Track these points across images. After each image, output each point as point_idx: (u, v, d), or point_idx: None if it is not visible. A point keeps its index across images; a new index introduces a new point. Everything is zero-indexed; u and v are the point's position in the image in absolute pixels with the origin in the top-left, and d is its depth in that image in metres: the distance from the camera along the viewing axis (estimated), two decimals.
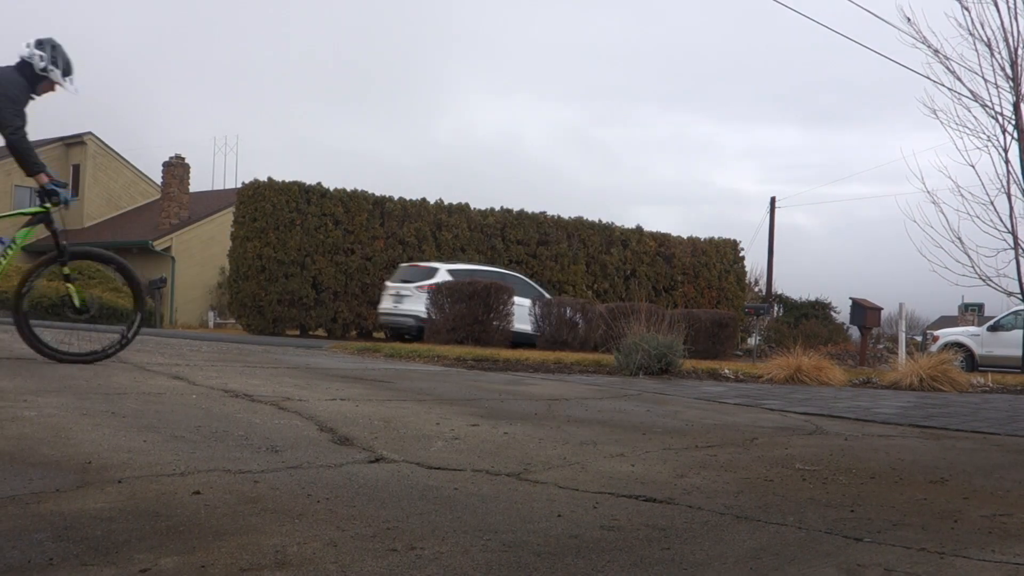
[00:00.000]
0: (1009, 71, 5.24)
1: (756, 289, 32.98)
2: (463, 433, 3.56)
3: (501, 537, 1.96)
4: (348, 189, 18.58)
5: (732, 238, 23.37)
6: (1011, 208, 5.32)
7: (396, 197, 19.06)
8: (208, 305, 28.53)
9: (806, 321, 30.10)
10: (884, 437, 4.33)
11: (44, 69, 4.67)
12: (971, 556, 2.01)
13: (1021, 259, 5.25)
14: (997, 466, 3.51)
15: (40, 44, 4.68)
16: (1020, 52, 5.24)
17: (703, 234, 23.92)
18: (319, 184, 18.44)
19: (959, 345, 17.36)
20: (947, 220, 5.55)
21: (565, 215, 20.51)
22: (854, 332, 22.17)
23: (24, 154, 4.52)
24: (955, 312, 42.64)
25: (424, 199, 19.16)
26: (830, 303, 34.17)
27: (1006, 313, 18.34)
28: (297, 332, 18.18)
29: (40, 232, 5.39)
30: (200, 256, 29.28)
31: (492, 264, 19.15)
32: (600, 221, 21.09)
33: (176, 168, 30.31)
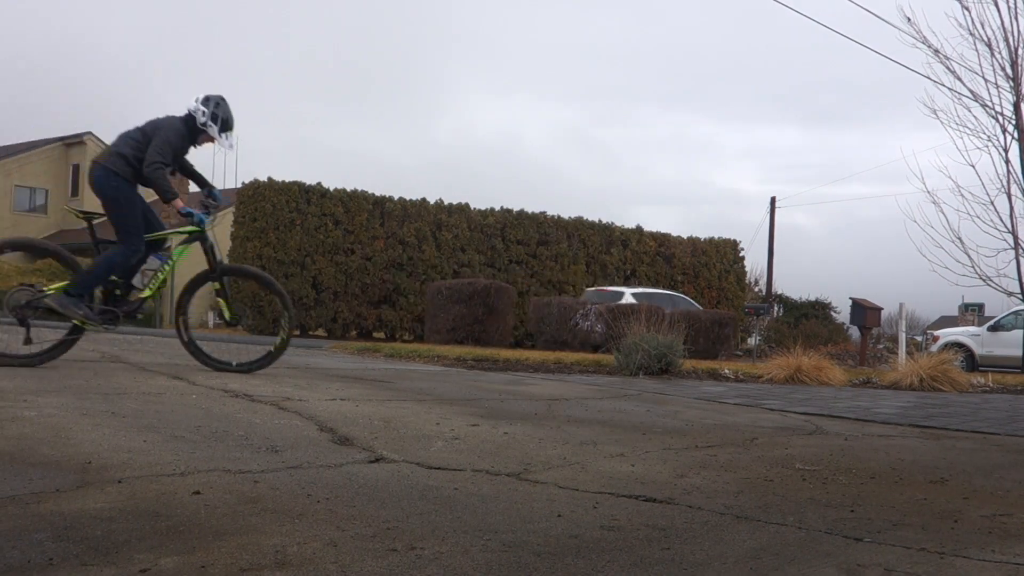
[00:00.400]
0: (1009, 71, 5.23)
1: (756, 289, 32.99)
2: (463, 433, 3.56)
3: (501, 537, 1.96)
4: (348, 189, 18.58)
5: (732, 238, 23.38)
6: (1011, 208, 5.32)
7: (396, 197, 19.05)
8: (208, 305, 28.52)
9: (806, 321, 30.09)
10: (884, 437, 4.33)
11: (203, 124, 5.18)
12: (971, 556, 2.01)
13: (1021, 259, 5.25)
14: (997, 466, 3.51)
15: (206, 101, 5.19)
16: (1020, 52, 5.23)
17: (703, 234, 23.93)
18: (319, 184, 18.45)
19: (959, 345, 17.36)
20: (947, 220, 5.55)
21: (565, 215, 20.52)
22: (854, 332, 22.18)
23: (156, 185, 5.04)
24: (955, 312, 42.62)
25: (424, 199, 19.16)
26: (830, 303, 34.19)
27: (1006, 313, 18.33)
28: (297, 332, 18.18)
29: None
30: (200, 256, 29.22)
31: (493, 264, 19.15)
32: (600, 221, 21.09)
33: None
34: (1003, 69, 5.26)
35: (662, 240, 21.90)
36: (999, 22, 5.27)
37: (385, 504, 2.21)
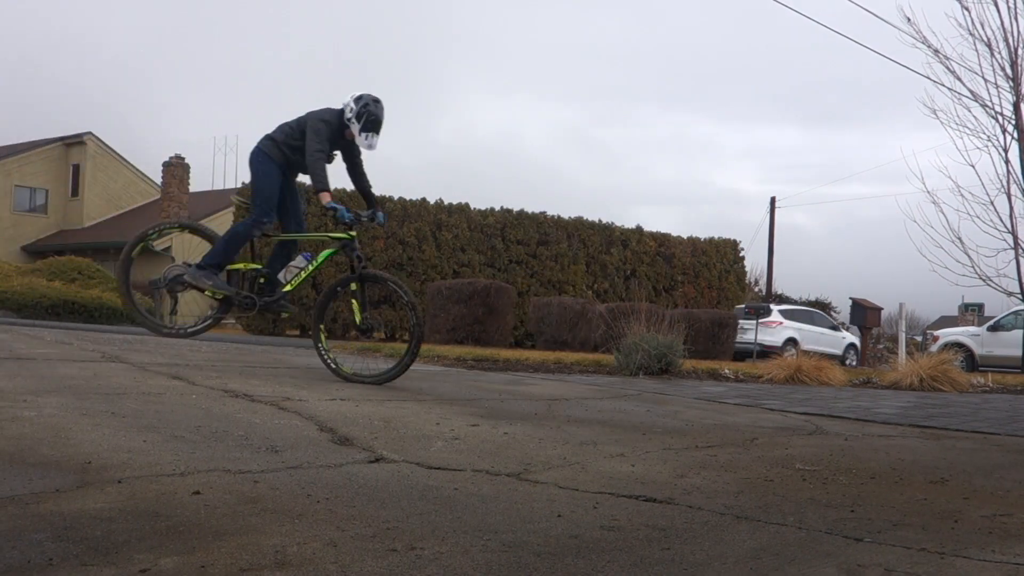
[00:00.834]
0: (1009, 71, 5.23)
1: (756, 289, 32.97)
2: (463, 433, 3.56)
3: (501, 537, 1.96)
4: (347, 189, 18.56)
5: (732, 238, 23.35)
6: (1011, 208, 5.31)
7: (396, 197, 19.04)
8: (208, 305, 28.54)
9: None
10: (884, 437, 4.32)
11: (348, 119, 5.37)
12: (971, 556, 2.01)
13: (1021, 259, 5.24)
14: (997, 466, 3.51)
15: (357, 99, 5.37)
16: (1020, 52, 5.23)
17: (703, 234, 23.92)
18: None
19: (959, 345, 17.36)
20: (947, 220, 5.54)
21: (565, 215, 20.50)
22: (854, 332, 22.17)
23: (312, 173, 5.25)
24: (955, 312, 42.64)
25: (424, 199, 19.15)
26: (830, 303, 34.17)
27: (1006, 313, 18.33)
28: (297, 332, 18.17)
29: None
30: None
31: (493, 264, 19.14)
32: (600, 221, 21.08)
33: (176, 168, 30.31)
34: (1003, 69, 5.26)
35: (662, 240, 21.89)
36: (999, 22, 5.27)
37: (385, 504, 2.21)
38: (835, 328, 20.39)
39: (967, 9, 5.35)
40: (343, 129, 5.41)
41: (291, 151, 5.41)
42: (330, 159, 5.48)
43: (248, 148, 5.47)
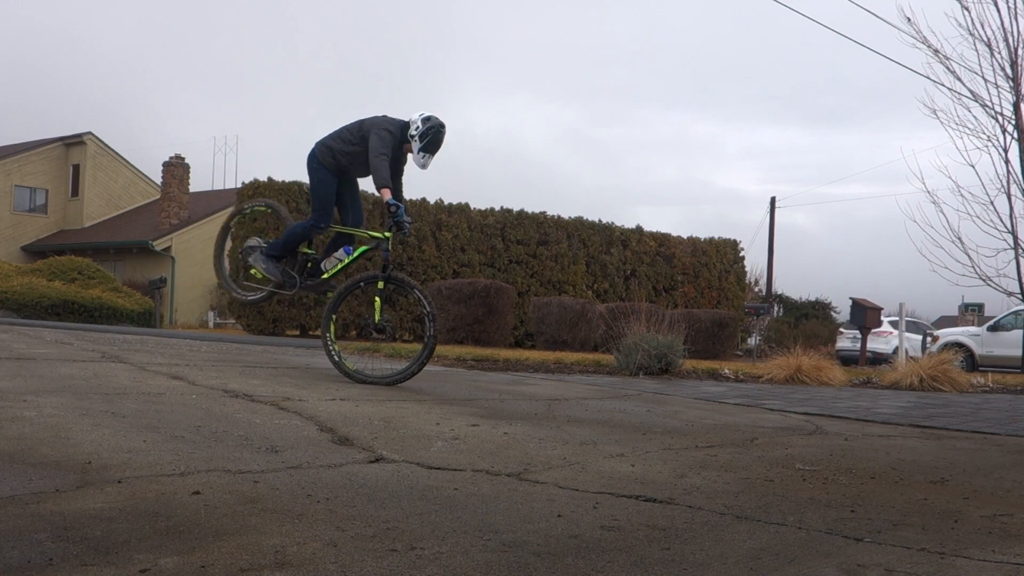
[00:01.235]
0: (1009, 71, 5.23)
1: (756, 289, 32.97)
2: (463, 433, 3.56)
3: (501, 537, 1.96)
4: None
5: (732, 238, 23.35)
6: (1011, 208, 5.31)
7: None
8: (208, 305, 28.52)
9: (806, 321, 30.08)
10: (884, 437, 4.33)
11: (410, 135, 5.52)
12: (971, 556, 2.00)
13: (1021, 259, 5.24)
14: (997, 466, 3.51)
15: (426, 119, 5.53)
16: (1020, 52, 5.23)
17: (703, 234, 23.91)
18: None
19: (959, 345, 17.36)
20: (947, 220, 5.53)
21: (565, 215, 20.49)
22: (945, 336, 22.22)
23: (374, 171, 5.41)
24: (955, 312, 42.62)
25: (424, 199, 19.15)
26: (830, 303, 34.17)
27: (1006, 313, 18.33)
28: (297, 332, 18.17)
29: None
30: (200, 256, 29.27)
31: (493, 264, 19.14)
32: (600, 221, 21.08)
33: (176, 168, 30.30)
34: (1003, 69, 5.26)
35: (662, 240, 21.88)
36: (999, 22, 5.27)
37: (385, 504, 2.21)
38: (930, 336, 20.36)
39: (967, 9, 5.35)
40: (404, 142, 5.58)
41: (346, 157, 5.61)
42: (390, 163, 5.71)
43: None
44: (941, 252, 5.54)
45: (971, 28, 5.35)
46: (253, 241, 6.05)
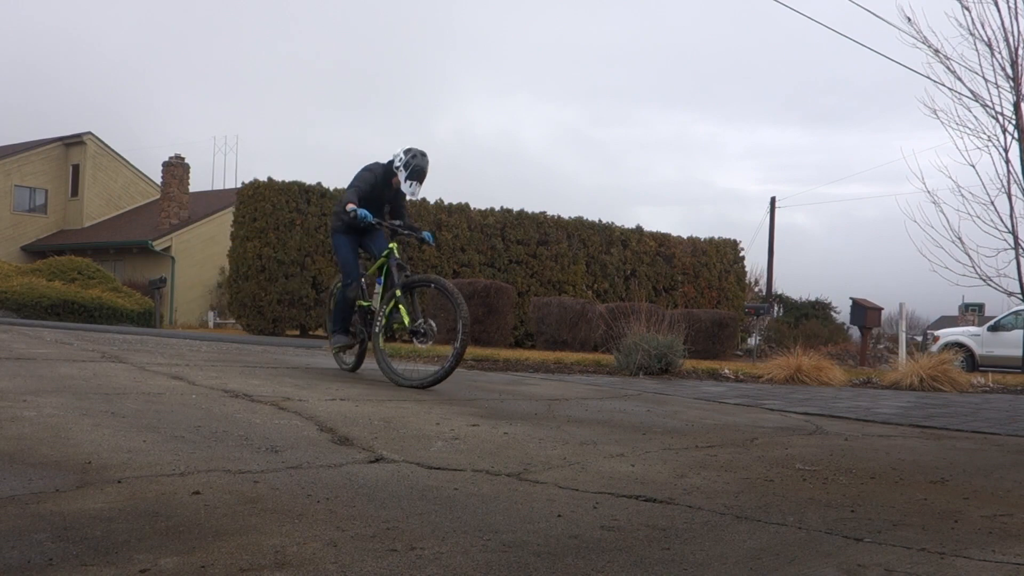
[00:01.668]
0: (1009, 71, 5.23)
1: (756, 289, 32.96)
2: (463, 433, 3.56)
3: (501, 537, 1.96)
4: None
5: (732, 238, 23.34)
6: (1011, 208, 5.30)
7: None
8: (208, 305, 28.53)
9: (806, 321, 30.09)
10: (884, 437, 4.32)
11: (395, 167, 6.04)
12: (972, 556, 2.00)
13: (1021, 259, 5.24)
14: (997, 466, 3.51)
15: (407, 151, 6.04)
16: (1020, 52, 5.23)
17: (703, 234, 23.91)
18: (319, 184, 18.43)
19: (959, 345, 17.36)
20: (947, 220, 5.52)
21: (565, 215, 20.48)
22: (854, 332, 22.15)
23: (345, 194, 5.93)
24: (955, 312, 42.64)
25: (424, 199, 19.15)
26: (830, 303, 34.17)
27: (1007, 313, 18.33)
28: (297, 332, 18.17)
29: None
30: (200, 256, 29.29)
31: (493, 264, 19.13)
32: (600, 221, 21.07)
33: (176, 168, 30.29)
34: (1003, 69, 5.25)
35: (662, 240, 21.88)
36: (999, 22, 5.26)
37: (385, 504, 2.21)
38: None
39: (967, 9, 5.35)
40: (390, 176, 6.06)
41: (349, 215, 5.93)
42: (364, 198, 6.06)
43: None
44: (941, 252, 5.54)
45: (971, 28, 5.34)
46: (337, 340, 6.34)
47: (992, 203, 5.37)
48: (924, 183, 5.84)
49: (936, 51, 5.52)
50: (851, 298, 15.84)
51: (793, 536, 2.14)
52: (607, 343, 10.64)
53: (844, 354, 17.37)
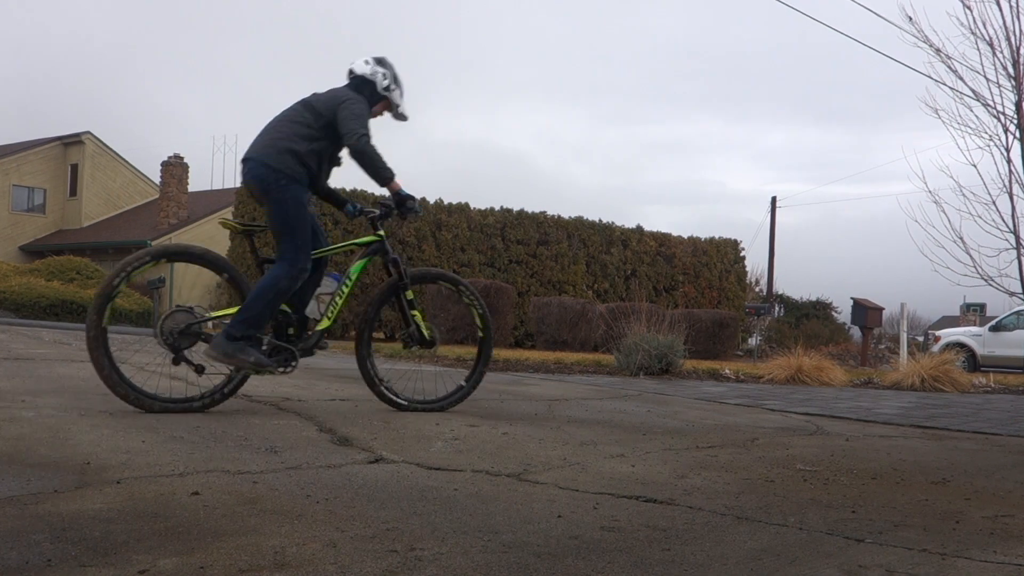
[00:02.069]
0: (1011, 70, 5.22)
1: (757, 289, 32.95)
2: (463, 433, 3.55)
3: (501, 538, 1.95)
4: (347, 189, 18.58)
5: (733, 238, 23.34)
6: (1013, 208, 5.29)
7: None
8: (207, 305, 28.53)
9: (807, 321, 30.07)
10: (886, 438, 4.32)
11: (387, 88, 4.34)
12: (973, 557, 2.00)
13: (1023, 259, 5.23)
14: (999, 467, 3.50)
15: (380, 62, 4.36)
16: (1022, 51, 5.22)
17: (704, 234, 23.91)
18: None
19: (961, 345, 17.35)
20: (949, 220, 5.51)
21: (565, 215, 20.48)
22: (855, 332, 22.13)
23: (369, 161, 4.11)
24: (957, 312, 42.60)
25: (424, 199, 19.15)
26: (831, 303, 34.14)
27: (1008, 313, 18.31)
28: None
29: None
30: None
31: (493, 264, 19.13)
32: (600, 221, 21.07)
33: (175, 168, 30.29)
34: (1005, 68, 5.24)
35: (662, 240, 21.88)
36: (1001, 21, 5.26)
37: (385, 505, 2.20)
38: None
39: (969, 8, 5.34)
40: (373, 103, 4.34)
41: (315, 159, 4.16)
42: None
43: (246, 148, 4.30)
44: (943, 252, 5.53)
45: (973, 27, 5.34)
46: (182, 314, 3.92)
47: (994, 203, 5.36)
48: (926, 183, 5.83)
49: (938, 50, 5.51)
50: (852, 298, 15.84)
51: (794, 537, 2.13)
52: (607, 343, 10.64)
53: (845, 354, 17.36)
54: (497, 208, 19.84)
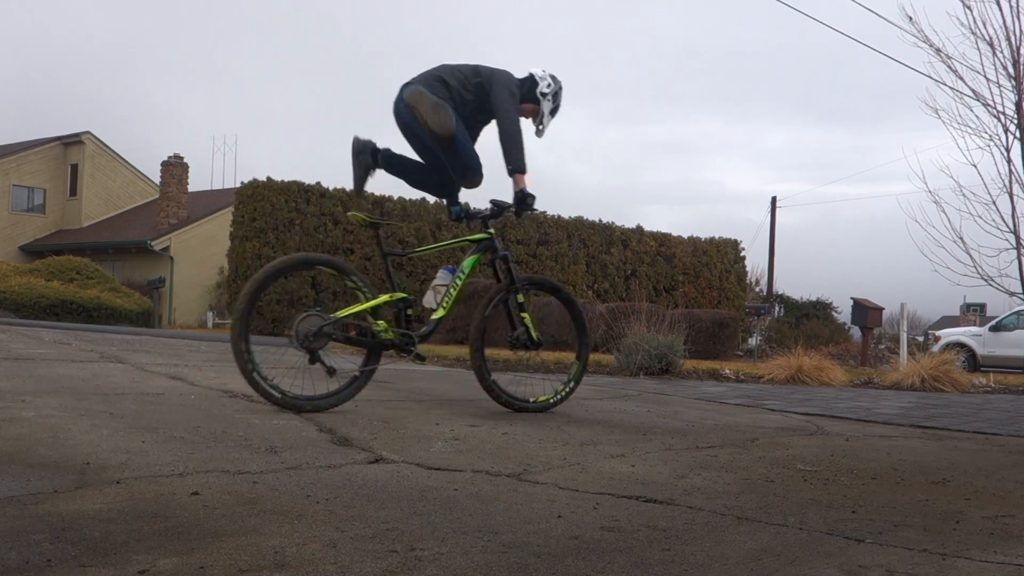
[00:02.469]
0: (1011, 70, 5.22)
1: (757, 289, 32.95)
2: (463, 433, 3.55)
3: (501, 538, 1.95)
4: (347, 189, 18.58)
5: (733, 238, 23.38)
6: (1013, 208, 5.29)
7: (396, 197, 19.04)
8: (207, 305, 28.52)
9: (807, 321, 30.08)
10: (886, 438, 4.32)
11: (543, 93, 4.44)
12: (973, 557, 2.00)
13: (1023, 259, 5.23)
14: (999, 467, 3.50)
15: (554, 76, 4.55)
16: (1022, 51, 5.22)
17: (704, 234, 23.93)
18: (318, 184, 18.44)
19: (961, 345, 17.37)
20: (949, 220, 5.52)
21: (565, 215, 20.50)
22: (855, 332, 22.15)
23: (512, 145, 4.19)
24: (957, 312, 42.61)
25: (424, 199, 19.15)
26: (831, 303, 34.18)
27: (1008, 313, 18.33)
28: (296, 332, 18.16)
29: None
30: (199, 256, 29.29)
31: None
32: (600, 221, 21.07)
33: (175, 168, 30.30)
34: (1005, 68, 5.25)
35: (662, 240, 21.88)
36: (1001, 21, 5.26)
37: (385, 505, 2.20)
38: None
39: (969, 8, 5.34)
40: (524, 101, 4.44)
41: (461, 105, 4.22)
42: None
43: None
44: (943, 252, 5.53)
45: (973, 27, 5.34)
46: (315, 317, 4.10)
47: (994, 203, 5.36)
48: (926, 183, 5.83)
49: (938, 50, 5.51)
50: (852, 298, 15.85)
51: (794, 537, 2.13)
52: (607, 343, 10.63)
53: (845, 354, 17.37)
54: None
